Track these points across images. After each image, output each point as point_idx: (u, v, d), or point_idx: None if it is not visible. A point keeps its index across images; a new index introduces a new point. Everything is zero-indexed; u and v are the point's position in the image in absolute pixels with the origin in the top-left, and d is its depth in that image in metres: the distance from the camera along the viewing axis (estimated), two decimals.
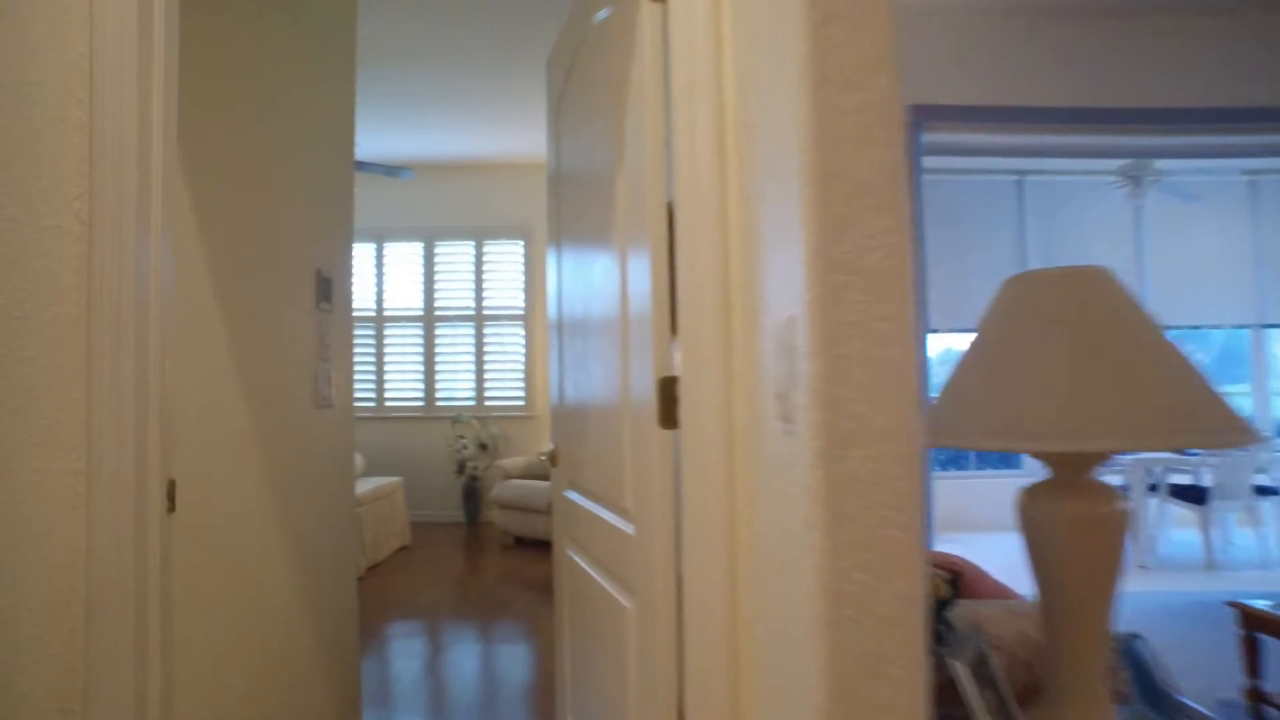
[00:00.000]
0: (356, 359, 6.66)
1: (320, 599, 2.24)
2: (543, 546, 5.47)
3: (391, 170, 5.21)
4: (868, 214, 0.78)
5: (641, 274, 1.36)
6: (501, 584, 4.53)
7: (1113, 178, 5.41)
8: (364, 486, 4.99)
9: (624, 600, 1.49)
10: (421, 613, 4.07)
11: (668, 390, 1.27)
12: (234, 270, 1.79)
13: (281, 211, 2.04)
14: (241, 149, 1.83)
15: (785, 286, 0.86)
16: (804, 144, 0.79)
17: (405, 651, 3.45)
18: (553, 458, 2.08)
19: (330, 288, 2.33)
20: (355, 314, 6.67)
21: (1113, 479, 5.27)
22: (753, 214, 1.02)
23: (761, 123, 0.96)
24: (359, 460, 5.47)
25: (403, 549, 5.46)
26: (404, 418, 6.63)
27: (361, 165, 5.12)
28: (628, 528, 1.45)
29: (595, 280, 1.67)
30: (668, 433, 1.28)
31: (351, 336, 2.53)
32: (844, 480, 0.75)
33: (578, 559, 1.86)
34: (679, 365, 1.22)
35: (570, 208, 1.91)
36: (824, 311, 0.78)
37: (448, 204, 6.72)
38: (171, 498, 1.35)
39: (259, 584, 1.88)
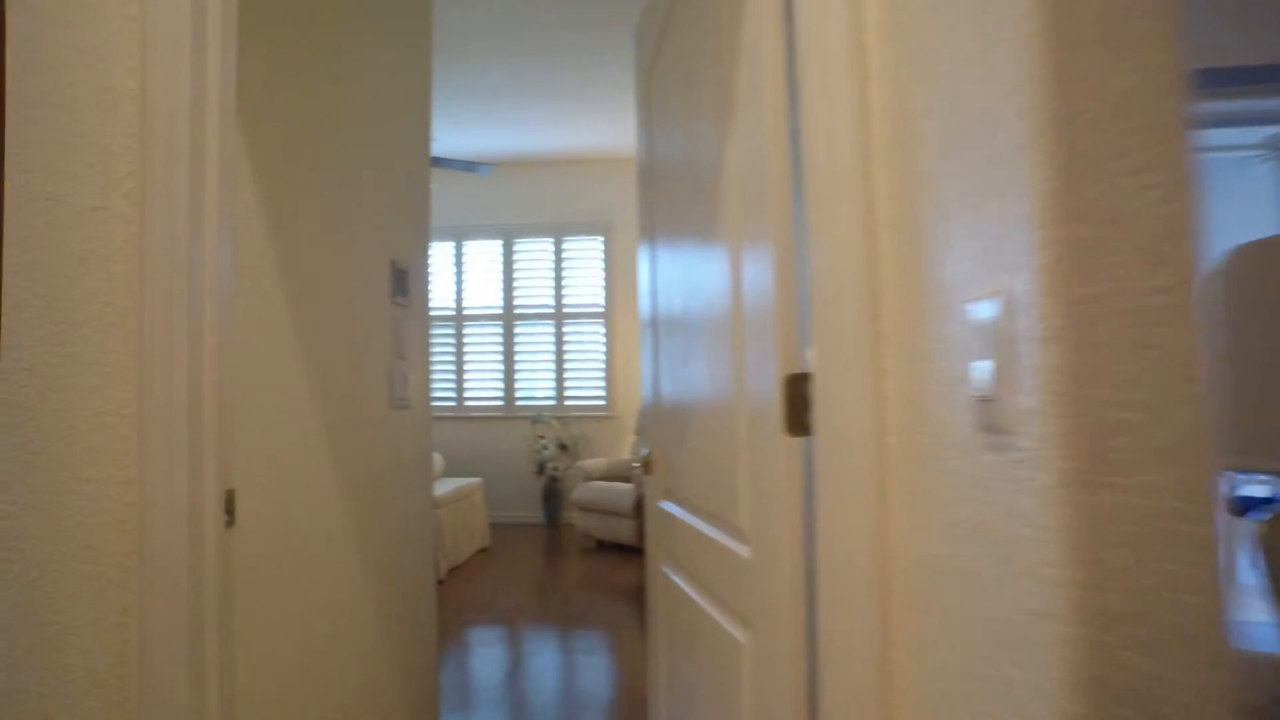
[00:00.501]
0: (436, 358, 6.64)
1: (398, 606, 2.11)
2: (626, 551, 5.30)
3: (470, 165, 5.13)
4: (1133, 140, 0.54)
5: (762, 257, 1.14)
6: (583, 590, 4.38)
7: (1257, 151, 4.85)
8: (443, 488, 4.93)
9: (736, 633, 1.28)
10: (501, 618, 3.95)
11: (796, 390, 1.05)
12: (304, 262, 1.66)
13: (355, 201, 1.91)
14: (313, 137, 1.70)
15: (990, 254, 0.63)
16: (1028, 41, 0.56)
17: (485, 658, 3.32)
18: (646, 464, 1.89)
19: (406, 281, 2.19)
20: (434, 313, 6.67)
21: None
22: (915, 169, 0.79)
23: (930, 33, 0.73)
24: (438, 461, 5.42)
25: (482, 551, 5.38)
26: (484, 417, 6.58)
27: (439, 161, 5.06)
28: (742, 550, 1.24)
29: (700, 268, 1.46)
30: (795, 441, 1.06)
31: (428, 333, 2.40)
32: (1107, 518, 0.52)
33: (676, 579, 1.65)
34: (811, 362, 1.00)
35: (666, 192, 1.71)
36: (1067, 281, 0.55)
37: (526, 200, 6.63)
38: (230, 510, 1.21)
39: (332, 593, 1.75)
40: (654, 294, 1.82)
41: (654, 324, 1.84)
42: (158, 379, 1.13)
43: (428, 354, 2.40)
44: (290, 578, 1.57)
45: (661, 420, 1.80)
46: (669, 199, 1.68)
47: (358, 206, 1.92)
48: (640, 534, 5.23)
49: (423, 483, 2.33)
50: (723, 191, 1.31)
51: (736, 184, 1.24)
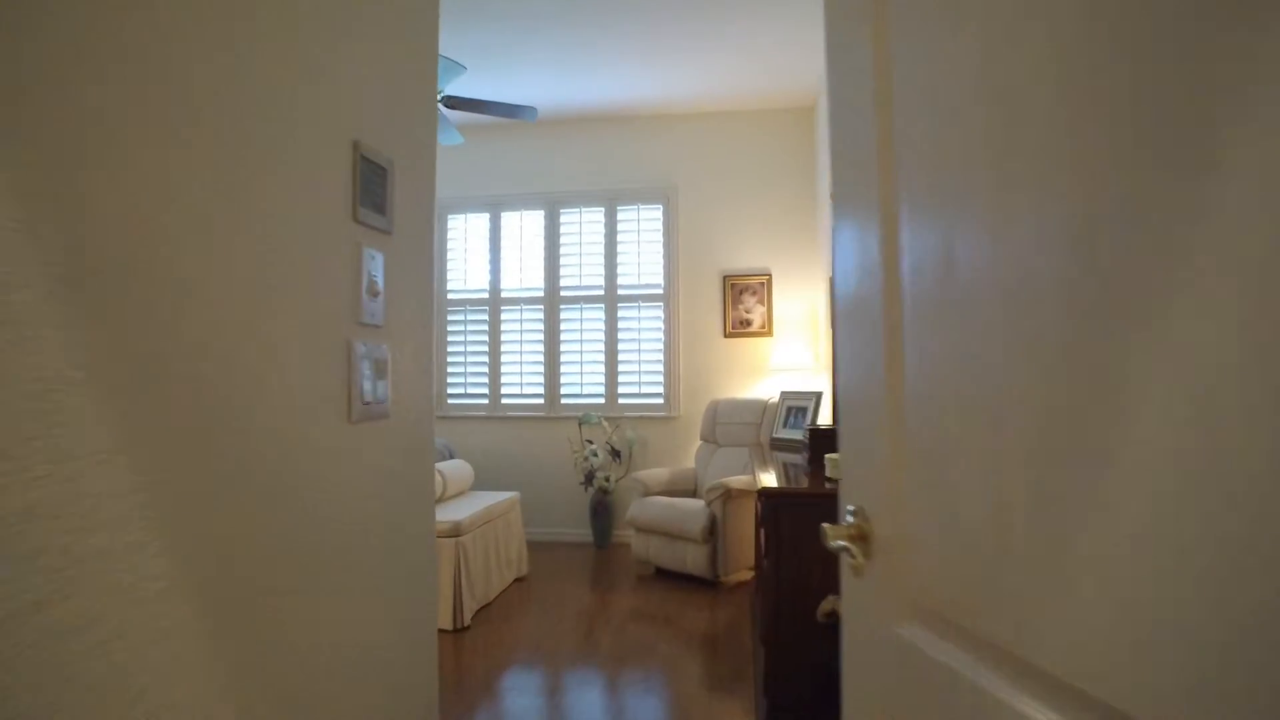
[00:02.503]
0: (469, 349, 5.72)
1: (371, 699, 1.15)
2: (693, 583, 4.31)
3: (512, 110, 4.19)
4: None
5: None
6: (640, 629, 3.42)
7: None
8: (470, 507, 3.99)
9: None
10: (542, 668, 3.01)
11: None
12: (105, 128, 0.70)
13: (274, 27, 0.95)
14: None
15: None
16: None
17: None
18: (855, 538, 0.89)
19: (385, 186, 1.23)
20: (466, 295, 5.73)
21: None
22: None
23: None
24: (465, 473, 4.49)
25: (519, 580, 4.43)
26: (522, 418, 5.64)
27: (476, 104, 4.12)
28: None
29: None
30: None
31: (431, 286, 1.43)
32: None
33: None
34: None
35: (936, 125, 0.72)
36: None
37: (574, 163, 5.67)
38: None
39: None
40: (881, 267, 0.84)
41: (884, 310, 0.85)
42: None
43: (430, 321, 1.43)
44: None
45: (900, 458, 0.81)
46: (950, 133, 0.69)
47: (278, 38, 0.96)
48: (714, 563, 4.23)
49: (418, 542, 1.37)
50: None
51: None
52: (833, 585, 2.29)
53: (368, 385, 1.13)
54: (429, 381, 1.41)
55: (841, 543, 0.89)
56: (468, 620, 3.59)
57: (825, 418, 3.95)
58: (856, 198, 0.94)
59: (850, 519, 0.92)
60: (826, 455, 2.45)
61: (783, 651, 2.36)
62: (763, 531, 2.59)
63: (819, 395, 3.90)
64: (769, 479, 2.71)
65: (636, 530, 4.59)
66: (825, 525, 0.92)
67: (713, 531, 4.22)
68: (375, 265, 1.18)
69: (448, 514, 3.75)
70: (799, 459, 3.40)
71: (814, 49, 4.48)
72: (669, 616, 3.79)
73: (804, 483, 2.74)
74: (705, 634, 3.53)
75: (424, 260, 1.39)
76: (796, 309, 5.33)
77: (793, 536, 2.30)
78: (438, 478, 4.06)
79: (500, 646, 3.37)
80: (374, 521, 1.18)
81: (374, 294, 1.17)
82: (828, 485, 2.44)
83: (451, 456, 4.66)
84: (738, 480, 4.26)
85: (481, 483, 5.26)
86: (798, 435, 3.78)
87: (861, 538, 0.90)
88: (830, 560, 2.64)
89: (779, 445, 3.92)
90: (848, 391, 0.96)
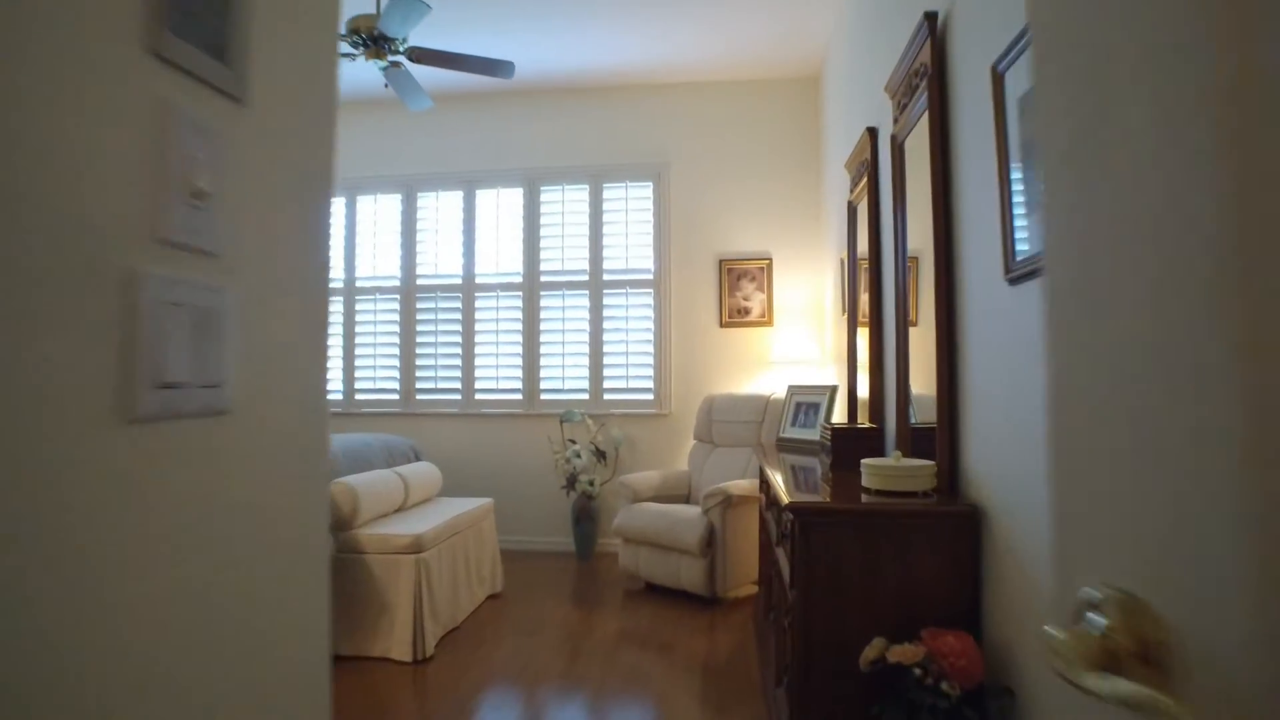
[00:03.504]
0: (439, 339, 5.21)
1: None
2: (688, 600, 3.83)
3: (490, 65, 3.69)
4: None
5: None
6: (632, 654, 2.94)
7: None
8: (436, 516, 3.49)
9: None
10: (521, 702, 2.53)
11: None
12: None
13: None
14: None
15: None
16: None
17: None
18: (1141, 658, 0.42)
19: (232, 8, 0.73)
20: (437, 282, 5.22)
21: None
22: None
23: None
24: (429, 478, 3.98)
25: (492, 598, 3.93)
26: (498, 415, 5.14)
27: (451, 58, 3.62)
28: None
29: None
30: None
31: (329, 190, 0.94)
32: None
33: None
34: None
35: None
36: None
37: (555, 136, 5.18)
38: None
39: None
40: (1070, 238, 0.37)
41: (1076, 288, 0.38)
42: None
43: (326, 266, 0.94)
44: None
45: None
46: None
47: None
48: (712, 578, 3.75)
49: (296, 637, 0.88)
50: None
51: None
52: (876, 623, 1.82)
53: (175, 354, 0.64)
54: (322, 362, 0.92)
55: (1105, 687, 0.41)
56: (430, 649, 3.09)
57: (839, 414, 3.48)
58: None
59: (1097, 617, 0.45)
60: (865, 461, 1.98)
61: (813, 700, 1.89)
62: (785, 552, 2.12)
63: (833, 390, 3.42)
64: (789, 486, 2.23)
65: (624, 541, 4.11)
66: (1050, 631, 0.44)
67: (711, 543, 3.74)
68: (201, 146, 0.68)
69: (409, 526, 3.25)
70: (813, 463, 2.94)
71: (821, 7, 4.01)
72: (664, 641, 3.30)
73: (824, 491, 2.27)
74: (706, 662, 3.05)
75: (318, 160, 0.90)
76: (799, 296, 4.87)
77: (829, 560, 1.83)
78: (398, 484, 3.55)
79: (468, 679, 2.88)
80: (192, 612, 0.69)
81: (196, 196, 0.67)
82: (865, 498, 1.97)
83: (417, 459, 4.16)
84: (739, 485, 3.79)
85: (452, 487, 4.75)
86: (811, 435, 3.31)
87: (1141, 656, 0.42)
88: (874, 592, 2.17)
89: (787, 446, 3.44)
90: (1088, 368, 0.49)
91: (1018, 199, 1.58)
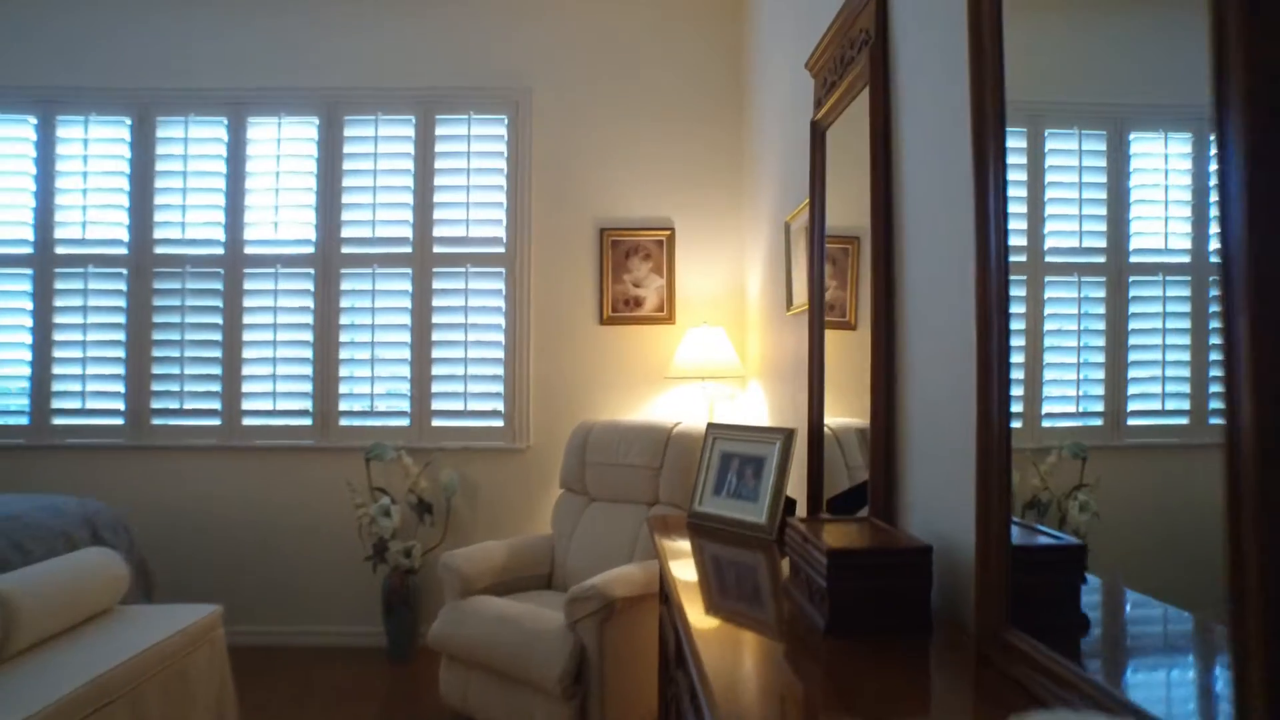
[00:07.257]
0: (188, 340, 3.52)
1: None
2: None
3: None
4: None
5: None
6: None
7: None
8: (84, 662, 1.84)
9: None
10: None
11: None
12: None
13: None
14: None
15: None
16: None
17: None
18: None
19: None
20: (183, 250, 3.51)
21: None
22: None
23: None
24: (89, 583, 2.31)
25: None
26: (276, 447, 3.50)
27: None
28: None
29: None
30: None
31: None
32: None
33: None
34: None
35: None
36: None
37: (364, 46, 3.59)
38: None
39: None
40: None
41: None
42: None
43: None
44: None
45: None
46: None
47: None
48: None
49: None
50: None
51: None
52: None
53: None
54: None
55: None
56: None
57: (797, 475, 2.10)
58: None
59: None
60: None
61: None
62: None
63: (788, 436, 2.01)
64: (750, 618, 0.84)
65: (448, 659, 2.62)
66: None
67: (580, 676, 2.32)
68: None
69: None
70: (755, 561, 1.59)
71: None
72: None
73: (797, 626, 0.90)
74: None
75: None
76: (713, 282, 3.52)
77: None
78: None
79: None
80: None
81: None
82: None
83: (95, 539, 2.50)
84: (625, 578, 2.38)
85: (201, 554, 3.09)
86: (753, 517, 1.93)
87: None
88: None
89: (709, 530, 2.04)
90: None
91: None
